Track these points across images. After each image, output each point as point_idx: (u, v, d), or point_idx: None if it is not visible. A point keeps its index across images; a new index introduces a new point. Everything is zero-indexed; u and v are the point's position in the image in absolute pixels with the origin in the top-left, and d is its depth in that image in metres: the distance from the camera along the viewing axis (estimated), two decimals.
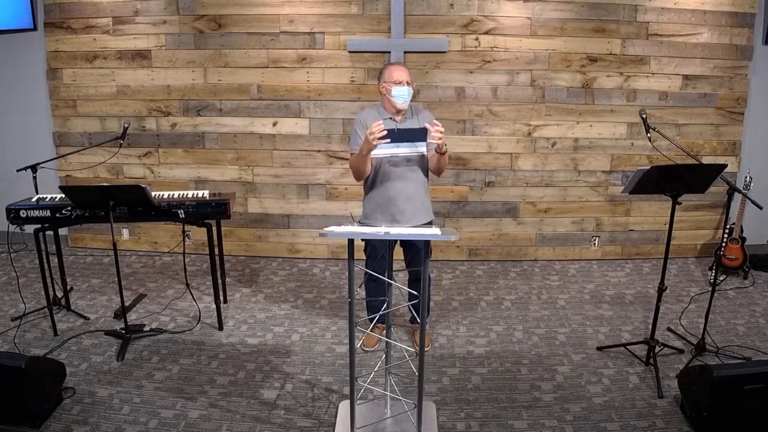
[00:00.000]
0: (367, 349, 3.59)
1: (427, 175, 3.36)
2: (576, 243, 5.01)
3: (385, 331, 2.88)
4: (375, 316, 3.47)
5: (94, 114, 4.88)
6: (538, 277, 4.71)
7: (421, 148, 3.19)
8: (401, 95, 3.14)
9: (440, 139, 2.97)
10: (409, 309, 3.67)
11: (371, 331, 3.53)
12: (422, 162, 3.28)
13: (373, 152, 3.14)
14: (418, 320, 2.63)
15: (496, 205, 4.91)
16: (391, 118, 3.23)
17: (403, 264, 3.66)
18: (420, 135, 3.09)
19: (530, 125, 4.73)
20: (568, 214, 4.94)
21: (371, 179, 3.33)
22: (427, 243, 2.59)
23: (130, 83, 4.78)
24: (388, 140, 2.90)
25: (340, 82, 4.68)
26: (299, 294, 4.39)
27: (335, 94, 4.71)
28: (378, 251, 3.41)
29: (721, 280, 4.53)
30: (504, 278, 4.68)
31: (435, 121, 3.02)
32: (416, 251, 3.44)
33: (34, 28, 4.75)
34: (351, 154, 3.31)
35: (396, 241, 3.07)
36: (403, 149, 3.17)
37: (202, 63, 4.70)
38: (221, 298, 4.04)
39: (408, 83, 3.14)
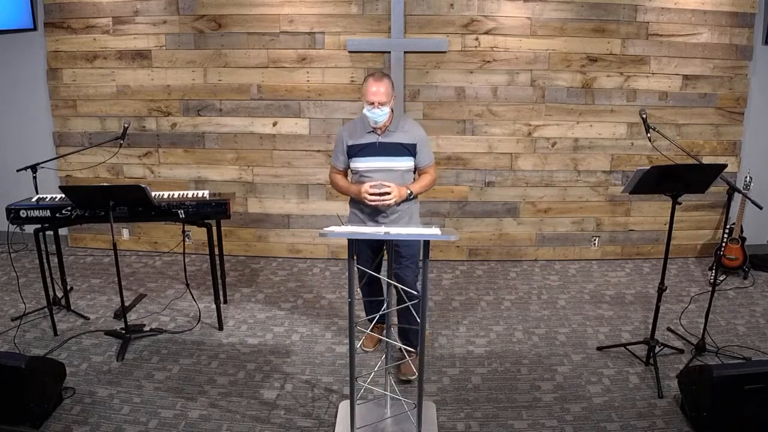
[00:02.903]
0: (367, 349, 3.59)
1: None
2: (576, 243, 5.01)
3: (384, 331, 2.88)
4: (375, 317, 3.46)
5: (94, 114, 4.88)
6: (538, 277, 4.71)
7: (404, 162, 3.16)
8: (372, 117, 3.06)
9: (373, 201, 3.04)
10: (397, 336, 3.41)
11: (371, 331, 3.52)
12: (407, 176, 3.21)
13: (353, 164, 3.20)
14: (409, 349, 2.57)
15: (496, 205, 4.91)
16: (373, 131, 3.16)
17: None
18: (402, 150, 3.08)
19: (530, 125, 4.73)
20: (568, 214, 4.94)
21: None
22: (426, 244, 2.56)
23: (130, 83, 4.78)
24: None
25: (340, 82, 4.68)
26: (299, 294, 4.39)
27: (335, 94, 4.70)
28: (362, 253, 3.32)
29: (721, 280, 4.53)
30: (504, 278, 4.68)
31: (369, 186, 3.05)
32: (401, 258, 3.33)
33: (34, 28, 4.75)
34: (333, 167, 3.30)
35: (390, 243, 3.08)
36: (384, 163, 3.14)
37: (202, 63, 4.69)
38: (221, 298, 4.04)
39: (381, 104, 3.01)
